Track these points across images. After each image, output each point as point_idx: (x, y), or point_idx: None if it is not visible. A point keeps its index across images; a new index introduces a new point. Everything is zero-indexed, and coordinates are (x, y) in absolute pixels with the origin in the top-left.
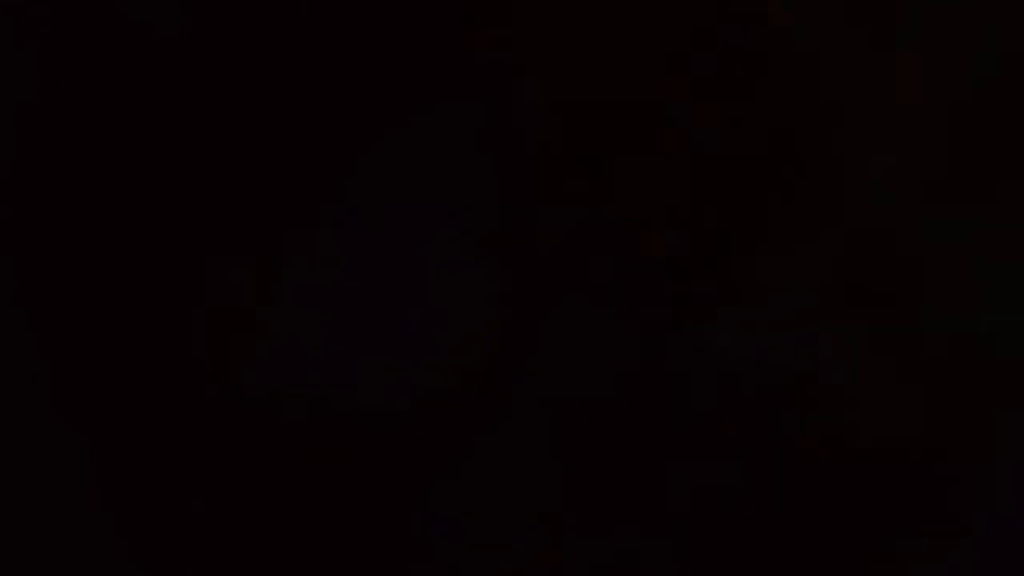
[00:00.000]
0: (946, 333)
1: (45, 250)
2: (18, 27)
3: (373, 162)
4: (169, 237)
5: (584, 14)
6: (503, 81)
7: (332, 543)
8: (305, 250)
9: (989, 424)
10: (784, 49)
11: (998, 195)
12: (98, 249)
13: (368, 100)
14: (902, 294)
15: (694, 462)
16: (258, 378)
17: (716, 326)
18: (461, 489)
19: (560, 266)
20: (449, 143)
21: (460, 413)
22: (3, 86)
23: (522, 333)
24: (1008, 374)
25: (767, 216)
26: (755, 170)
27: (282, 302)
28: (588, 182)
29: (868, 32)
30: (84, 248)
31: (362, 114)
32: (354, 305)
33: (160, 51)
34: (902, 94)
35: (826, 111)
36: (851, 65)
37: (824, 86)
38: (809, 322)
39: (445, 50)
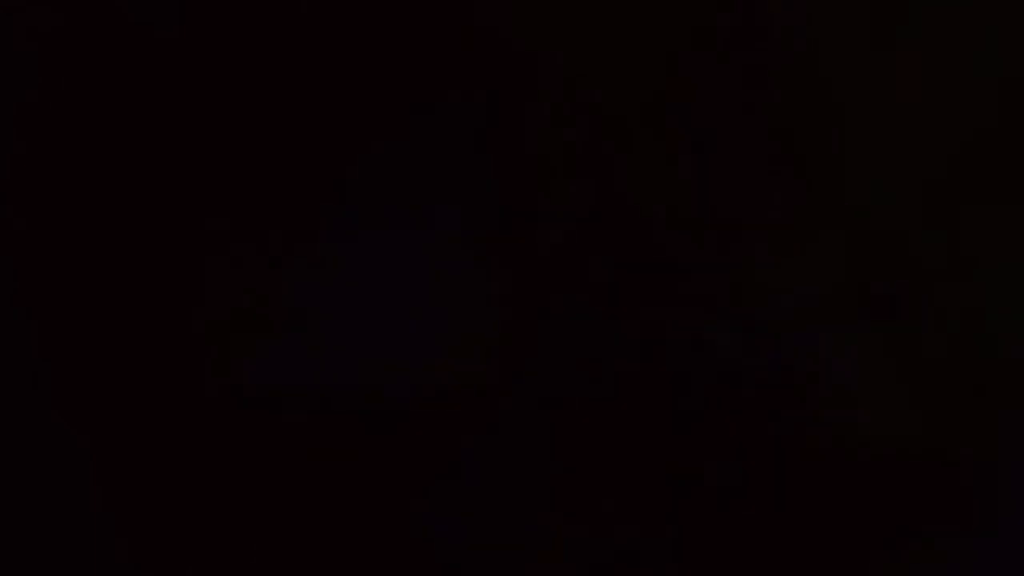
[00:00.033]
0: (947, 333)
1: (45, 250)
2: (18, 27)
3: (373, 162)
4: (169, 237)
5: (585, 14)
6: (503, 81)
7: (332, 543)
8: (305, 250)
9: (990, 425)
10: (786, 49)
11: (999, 196)
12: (98, 249)
13: (368, 100)
14: (903, 294)
15: (694, 462)
16: (258, 378)
17: (716, 326)
18: (461, 489)
19: (560, 266)
20: (449, 143)
21: (460, 413)
22: (3, 86)
23: (522, 333)
24: (1009, 375)
25: (768, 216)
26: (756, 170)
27: (282, 302)
28: (588, 182)
29: (869, 32)
30: (84, 248)
31: (362, 114)
32: (354, 305)
33: (160, 51)
34: (903, 94)
35: (828, 112)
36: (853, 65)
37: (825, 87)
38: (809, 322)
39: (445, 50)
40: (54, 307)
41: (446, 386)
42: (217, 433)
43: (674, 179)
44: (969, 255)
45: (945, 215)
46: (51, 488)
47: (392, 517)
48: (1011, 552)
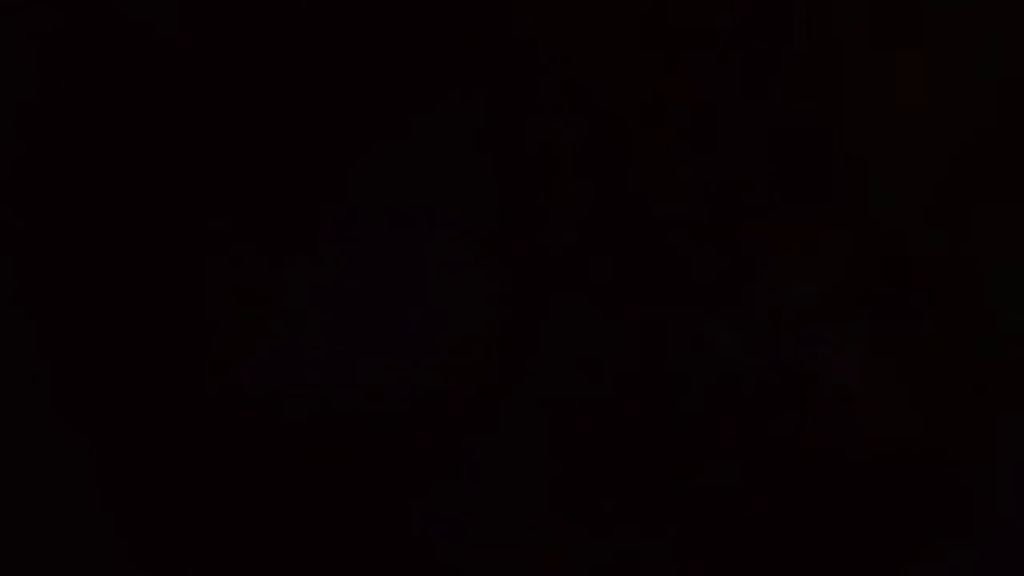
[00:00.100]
0: (947, 333)
1: (45, 250)
2: (18, 27)
3: (373, 161)
4: (169, 237)
5: (585, 14)
6: (503, 81)
7: (332, 543)
8: (305, 250)
9: (990, 425)
10: (787, 49)
11: (999, 196)
12: (98, 249)
13: (368, 100)
14: (903, 294)
15: (694, 462)
16: (258, 378)
17: (716, 326)
18: (461, 489)
19: (560, 266)
20: (449, 143)
21: (460, 413)
22: (3, 86)
23: (522, 333)
24: (1009, 375)
25: (768, 216)
26: (756, 170)
27: (282, 302)
28: (588, 182)
29: (869, 32)
30: (84, 248)
31: (362, 114)
32: (354, 305)
33: (160, 51)
34: (904, 94)
35: (828, 112)
36: (853, 65)
37: (826, 87)
38: (810, 322)
39: (445, 50)
40: (54, 307)
41: (446, 386)
42: (217, 433)
43: (674, 179)
44: (969, 255)
45: (945, 215)
46: (51, 488)
47: (392, 517)
48: (1011, 553)
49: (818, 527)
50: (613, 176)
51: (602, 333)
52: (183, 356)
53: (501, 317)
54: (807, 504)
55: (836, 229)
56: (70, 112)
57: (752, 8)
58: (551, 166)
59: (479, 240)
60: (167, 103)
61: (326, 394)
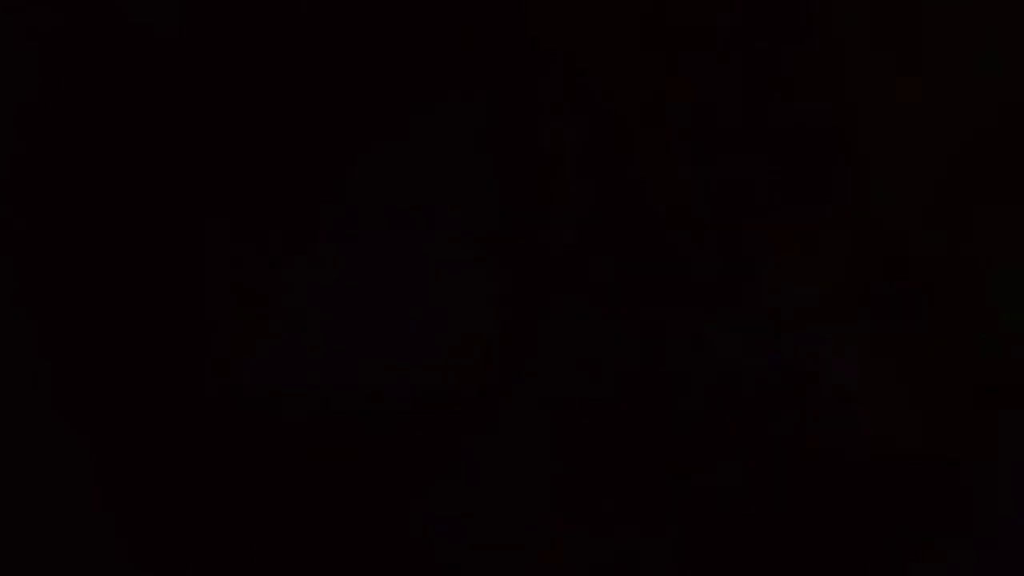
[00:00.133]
0: (948, 334)
1: (45, 250)
2: (18, 27)
3: (373, 161)
4: (169, 237)
5: (585, 14)
6: (504, 81)
7: (332, 543)
8: (305, 250)
9: (990, 425)
10: (787, 50)
11: (999, 196)
12: (98, 249)
13: (368, 100)
14: (903, 294)
15: (694, 462)
16: (258, 378)
17: (716, 326)
18: (461, 489)
19: (560, 266)
20: (449, 143)
21: (460, 413)
22: (3, 86)
23: (522, 333)
24: (1009, 375)
25: (768, 216)
26: (756, 170)
27: (282, 302)
28: (589, 182)
29: (869, 32)
30: (84, 248)
31: (362, 114)
32: (354, 305)
33: (160, 51)
34: (904, 94)
35: (828, 112)
36: (853, 65)
37: (826, 87)
38: (810, 322)
39: (445, 50)
40: (54, 307)
41: (446, 386)
42: (217, 433)
43: (674, 179)
44: (969, 255)
45: (945, 215)
46: (51, 488)
47: (392, 517)
48: (1011, 553)
49: (818, 527)
50: (613, 176)
51: (602, 333)
52: (183, 356)
53: (501, 317)
54: (807, 504)
55: (836, 229)
56: (70, 112)
57: (752, 8)
58: (551, 166)
59: (479, 240)
60: (167, 103)
61: (326, 394)
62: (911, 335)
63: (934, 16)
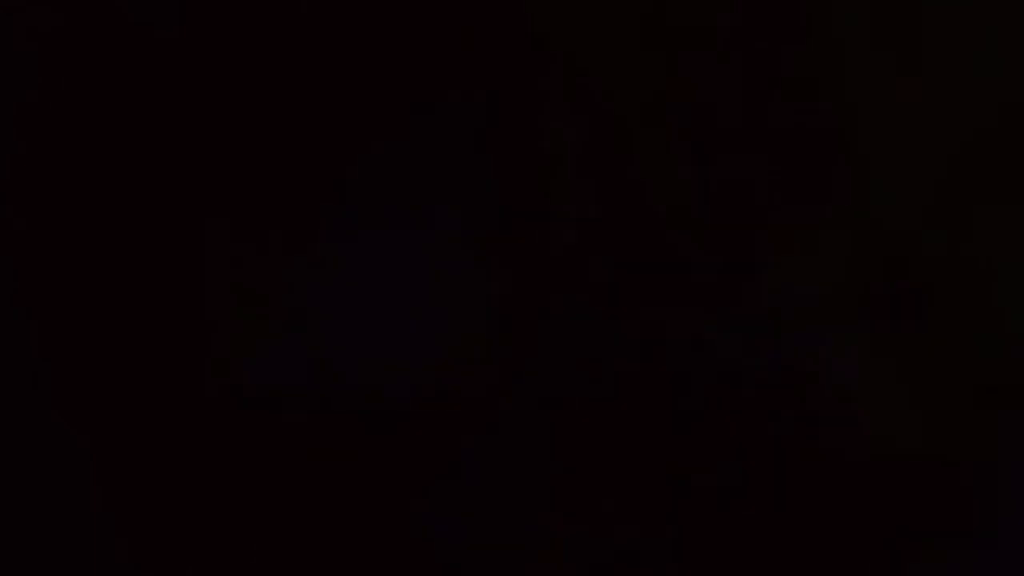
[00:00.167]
0: (948, 334)
1: (45, 250)
2: (18, 27)
3: (373, 161)
4: (168, 237)
5: (585, 14)
6: (504, 81)
7: (332, 543)
8: (305, 250)
9: (990, 425)
10: (787, 50)
11: (999, 196)
12: (98, 249)
13: (368, 100)
14: (904, 294)
15: (694, 462)
16: (258, 378)
17: (716, 326)
18: (461, 489)
19: (560, 266)
20: (449, 143)
21: (460, 413)
22: (3, 86)
23: (522, 333)
24: (1009, 375)
25: (768, 216)
26: (756, 170)
27: (282, 302)
28: (589, 182)
29: (869, 32)
30: (84, 248)
31: (362, 114)
32: (354, 305)
33: (160, 51)
34: (904, 94)
35: (828, 112)
36: (853, 65)
37: (826, 87)
38: (810, 322)
39: (445, 49)
40: (54, 307)
41: (446, 386)
42: (217, 433)
43: (674, 179)
44: (970, 255)
45: (945, 215)
46: (51, 488)
47: (392, 517)
48: (1011, 553)
49: (818, 527)
50: (613, 176)
51: (602, 333)
52: (183, 356)
53: (501, 317)
54: (807, 504)
55: (836, 229)
56: (70, 112)
57: (752, 8)
58: (551, 166)
59: (479, 240)
60: (167, 103)
61: (326, 394)
62: (911, 335)
63: (934, 16)
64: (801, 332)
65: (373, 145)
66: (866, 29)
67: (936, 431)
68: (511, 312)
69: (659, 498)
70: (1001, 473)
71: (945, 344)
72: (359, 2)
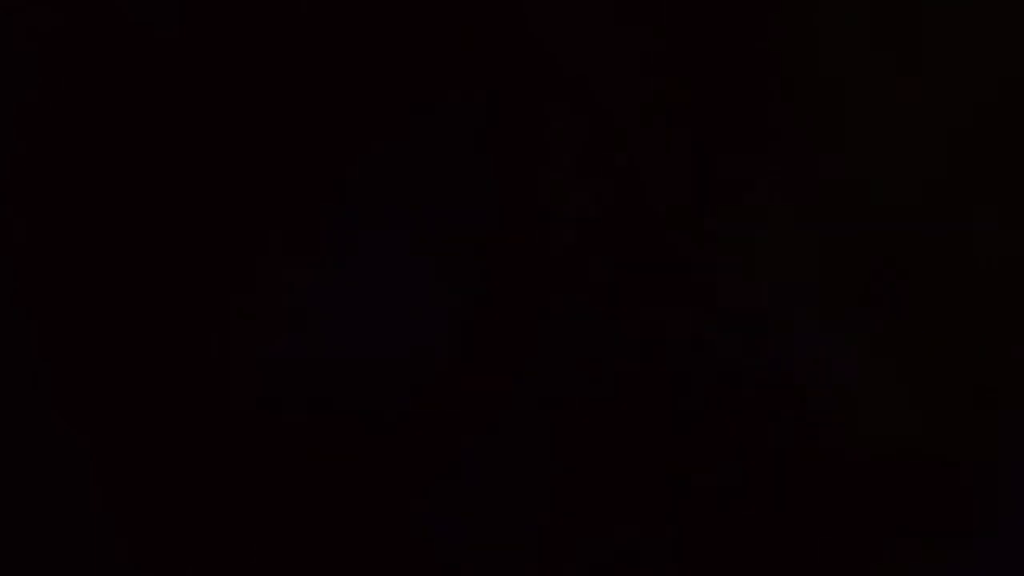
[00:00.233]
0: (948, 333)
1: (45, 250)
2: (18, 27)
3: (373, 161)
4: (168, 238)
5: (584, 14)
6: (504, 81)
7: (332, 543)
8: (305, 250)
9: (990, 425)
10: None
11: (999, 196)
12: (98, 250)
13: (368, 100)
14: (903, 294)
15: (694, 462)
16: (258, 378)
17: (716, 326)
18: (461, 489)
19: (560, 266)
20: (450, 143)
21: (460, 413)
22: (3, 86)
23: (522, 333)
24: (1009, 375)
25: (768, 216)
26: (756, 170)
27: (282, 302)
28: (588, 182)
29: (869, 32)
30: (84, 248)
31: (362, 114)
32: (354, 305)
33: (160, 51)
34: (904, 94)
35: (828, 112)
36: (853, 65)
37: (826, 87)
38: (810, 322)
39: (445, 49)
40: (54, 307)
41: (446, 386)
42: (217, 433)
43: (674, 179)
44: (969, 255)
45: (945, 215)
46: (51, 488)
47: (392, 517)
48: (1011, 553)
49: (818, 527)
50: (613, 176)
51: (602, 333)
52: (183, 356)
53: (501, 317)
54: (807, 504)
55: (836, 230)
56: (70, 112)
57: (753, 7)
58: (551, 166)
59: (479, 240)
60: (167, 103)
61: (326, 394)
62: (911, 335)
63: (934, 16)
64: (801, 332)
65: (373, 145)
66: (866, 29)
67: (936, 431)
68: (511, 312)
69: (659, 498)
70: (1001, 473)
71: (945, 344)
72: (359, 2)
